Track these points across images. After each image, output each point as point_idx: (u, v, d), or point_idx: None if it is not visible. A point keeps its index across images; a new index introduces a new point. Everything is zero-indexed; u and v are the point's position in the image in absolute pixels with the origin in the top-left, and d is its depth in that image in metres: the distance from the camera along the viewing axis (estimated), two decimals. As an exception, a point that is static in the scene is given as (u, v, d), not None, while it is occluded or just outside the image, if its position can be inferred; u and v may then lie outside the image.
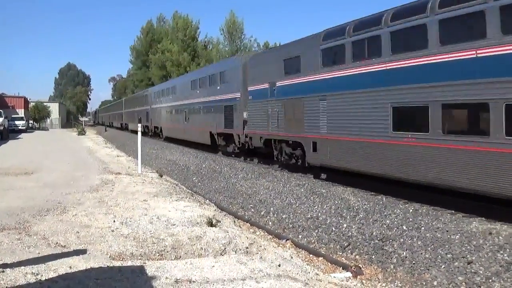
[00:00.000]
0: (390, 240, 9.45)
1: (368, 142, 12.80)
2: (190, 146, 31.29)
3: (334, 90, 14.29)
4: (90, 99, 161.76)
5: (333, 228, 10.89)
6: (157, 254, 7.56)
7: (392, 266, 8.62)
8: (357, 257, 9.45)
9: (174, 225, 9.03)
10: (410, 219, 10.19)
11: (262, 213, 13.29)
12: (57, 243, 7.76)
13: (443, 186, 10.74)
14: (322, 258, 9.28)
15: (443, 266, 8.02)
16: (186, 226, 9.00)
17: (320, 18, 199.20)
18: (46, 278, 5.84)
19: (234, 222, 11.30)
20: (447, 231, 9.15)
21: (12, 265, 6.23)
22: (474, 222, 9.51)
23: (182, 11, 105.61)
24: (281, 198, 13.98)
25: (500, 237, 8.39)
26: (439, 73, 10.52)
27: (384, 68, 12.18)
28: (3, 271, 5.92)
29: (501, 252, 7.86)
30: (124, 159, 24.04)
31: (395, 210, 10.94)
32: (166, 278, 6.10)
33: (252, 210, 13.80)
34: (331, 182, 15.27)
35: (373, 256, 9.21)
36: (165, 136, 40.19)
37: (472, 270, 7.62)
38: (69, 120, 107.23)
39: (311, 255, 9.53)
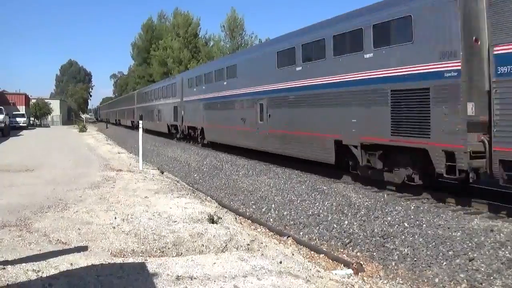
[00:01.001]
0: (392, 237, 9.44)
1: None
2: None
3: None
4: (91, 96, 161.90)
5: (335, 225, 10.88)
6: (158, 251, 7.55)
7: (393, 263, 8.60)
8: (358, 254, 9.44)
9: (175, 222, 9.02)
10: (412, 216, 10.18)
11: (263, 210, 13.29)
12: (58, 240, 7.75)
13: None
14: (323, 255, 9.26)
15: (444, 263, 8.01)
16: (187, 222, 8.99)
17: (320, 13, 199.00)
18: (47, 274, 5.83)
19: (236, 219, 11.29)
20: (448, 228, 9.15)
21: (13, 262, 6.22)
22: (476, 219, 9.51)
23: (182, 8, 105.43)
24: (282, 195, 13.97)
25: (501, 234, 8.39)
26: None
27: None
28: (4, 268, 5.92)
29: (503, 249, 7.85)
30: (125, 156, 24.01)
31: (397, 207, 10.94)
32: (168, 275, 6.09)
33: (254, 207, 13.79)
34: (332, 179, 15.25)
35: (375, 253, 9.19)
36: (208, 141, 28.75)
37: (474, 267, 7.61)
38: (70, 117, 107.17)
39: (312, 252, 9.51)
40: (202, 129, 29.07)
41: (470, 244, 8.27)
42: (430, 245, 8.65)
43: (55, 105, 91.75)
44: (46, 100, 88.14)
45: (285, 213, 12.53)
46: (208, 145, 28.79)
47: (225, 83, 24.64)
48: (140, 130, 19.02)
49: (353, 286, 7.07)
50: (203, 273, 6.24)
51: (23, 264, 6.13)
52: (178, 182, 16.35)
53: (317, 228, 11.07)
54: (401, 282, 7.93)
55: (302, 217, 11.90)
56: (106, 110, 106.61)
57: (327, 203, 12.24)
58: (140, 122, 19.46)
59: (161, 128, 41.39)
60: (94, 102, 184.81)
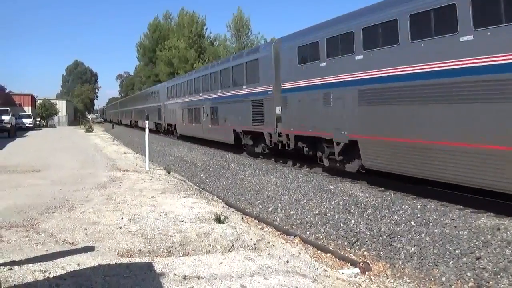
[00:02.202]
0: (398, 236, 9.42)
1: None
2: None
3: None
4: (97, 96, 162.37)
5: (341, 224, 10.87)
6: (165, 251, 7.55)
7: (400, 262, 8.59)
8: (365, 253, 9.42)
9: (182, 221, 9.02)
10: (418, 215, 10.15)
11: (270, 209, 13.28)
12: (65, 240, 7.77)
13: None
14: (330, 254, 9.25)
15: (451, 262, 7.98)
16: (194, 222, 9.00)
17: (326, 12, 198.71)
18: (54, 275, 5.85)
19: (242, 218, 11.29)
20: (455, 226, 9.12)
21: (20, 263, 6.24)
22: (483, 218, 9.46)
23: (188, 8, 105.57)
24: (289, 194, 13.97)
25: (508, 232, 8.35)
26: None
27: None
28: (11, 269, 5.94)
29: (510, 247, 7.82)
30: (132, 156, 24.07)
31: (403, 206, 10.91)
32: (174, 274, 6.10)
33: (260, 206, 13.79)
34: (339, 178, 15.24)
35: (381, 252, 9.18)
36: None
37: (481, 266, 7.59)
38: (77, 118, 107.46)
39: (319, 251, 9.51)
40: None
41: (477, 243, 8.24)
42: (437, 244, 8.63)
43: (61, 105, 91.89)
44: (52, 101, 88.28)
45: (291, 212, 12.52)
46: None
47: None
48: (147, 130, 19.04)
49: (360, 285, 7.07)
50: (210, 272, 6.25)
51: (30, 265, 6.15)
52: (184, 182, 16.37)
53: (324, 227, 11.06)
54: (408, 281, 7.91)
55: (309, 217, 11.89)
56: (116, 110, 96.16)
57: (334, 202, 12.23)
58: (146, 122, 19.49)
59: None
60: (100, 103, 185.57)
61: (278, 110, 18.35)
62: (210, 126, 27.78)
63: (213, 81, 27.70)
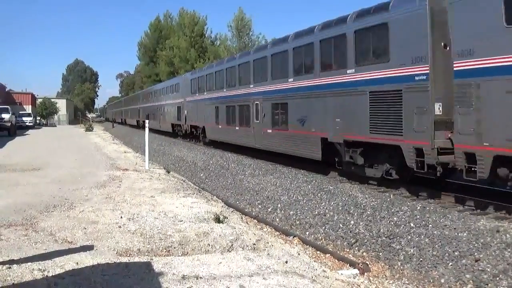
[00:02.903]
0: (398, 237, 9.41)
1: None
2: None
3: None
4: (97, 95, 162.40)
5: (341, 225, 10.87)
6: (164, 250, 7.55)
7: (399, 263, 8.58)
8: (364, 254, 9.42)
9: (181, 221, 9.02)
10: (418, 216, 10.15)
11: (269, 209, 13.28)
12: (64, 239, 7.77)
13: None
14: (329, 255, 9.25)
15: (450, 264, 7.98)
16: (193, 222, 8.99)
17: (327, 12, 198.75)
18: (53, 274, 5.84)
19: (241, 218, 11.28)
20: (454, 228, 9.11)
21: (18, 261, 6.23)
22: (482, 220, 9.47)
23: (189, 7, 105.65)
24: (288, 194, 13.96)
25: (507, 235, 8.35)
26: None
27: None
28: (9, 267, 5.93)
29: (509, 250, 7.81)
30: (131, 155, 24.05)
31: (403, 207, 10.91)
32: (173, 274, 6.09)
33: (259, 206, 13.78)
34: (338, 179, 15.23)
35: (380, 253, 9.17)
36: None
37: (480, 268, 7.58)
38: (77, 117, 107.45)
39: (318, 252, 9.50)
40: None
41: (476, 245, 8.23)
42: (436, 246, 8.62)
43: (61, 104, 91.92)
44: (52, 100, 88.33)
45: (291, 212, 12.52)
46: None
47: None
48: (146, 130, 19.03)
49: (359, 286, 7.06)
50: (209, 272, 6.24)
51: (29, 264, 6.14)
52: (184, 181, 16.36)
53: (323, 228, 11.06)
54: (407, 282, 7.91)
55: (308, 217, 11.89)
56: (122, 108, 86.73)
57: (333, 203, 12.22)
58: (147, 121, 19.49)
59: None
60: (100, 102, 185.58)
61: (438, 108, 11.39)
62: (270, 131, 19.60)
63: (276, 67, 19.52)
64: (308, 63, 16.93)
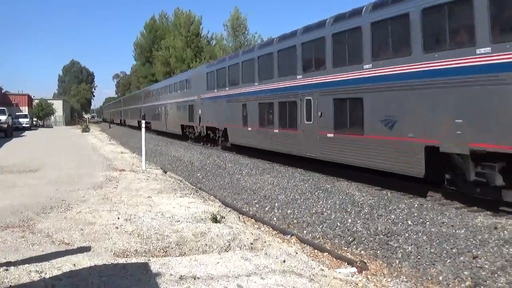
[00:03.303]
0: (395, 235, 9.42)
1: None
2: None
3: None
4: (94, 96, 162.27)
5: (338, 223, 10.86)
6: (162, 251, 7.54)
7: (397, 261, 8.58)
8: (362, 252, 9.42)
9: (179, 221, 9.00)
10: (415, 214, 10.15)
11: (266, 208, 13.27)
12: (61, 240, 7.75)
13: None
14: (327, 253, 9.25)
15: (448, 261, 7.98)
16: (190, 222, 8.98)
17: (324, 11, 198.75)
18: (50, 275, 5.82)
19: (239, 218, 11.27)
20: (452, 225, 9.12)
21: (15, 263, 6.21)
22: (480, 217, 9.47)
23: (185, 7, 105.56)
24: (285, 193, 13.95)
25: (505, 231, 8.36)
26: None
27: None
28: (7, 269, 5.91)
29: (507, 246, 7.82)
30: (128, 155, 24.01)
31: (400, 205, 10.91)
32: (171, 274, 6.08)
33: (257, 205, 13.77)
34: (336, 177, 15.23)
35: (378, 251, 9.17)
36: None
37: (478, 265, 7.58)
38: (73, 117, 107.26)
39: (316, 251, 9.50)
40: None
41: (474, 242, 8.24)
42: (434, 243, 8.62)
43: (58, 105, 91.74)
44: (49, 101, 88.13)
45: (288, 211, 12.51)
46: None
47: None
48: (143, 129, 19.00)
49: (357, 284, 7.06)
50: (206, 272, 6.23)
51: (26, 265, 6.12)
52: (181, 181, 16.34)
53: (321, 226, 11.05)
54: (405, 280, 7.91)
55: (305, 216, 11.88)
56: (120, 108, 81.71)
57: (331, 202, 12.22)
58: (143, 122, 19.45)
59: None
60: (96, 103, 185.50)
61: None
62: (331, 135, 14.70)
63: (341, 50, 14.53)
64: (399, 41, 12.08)
